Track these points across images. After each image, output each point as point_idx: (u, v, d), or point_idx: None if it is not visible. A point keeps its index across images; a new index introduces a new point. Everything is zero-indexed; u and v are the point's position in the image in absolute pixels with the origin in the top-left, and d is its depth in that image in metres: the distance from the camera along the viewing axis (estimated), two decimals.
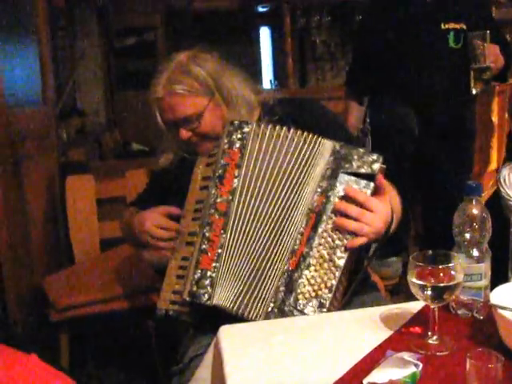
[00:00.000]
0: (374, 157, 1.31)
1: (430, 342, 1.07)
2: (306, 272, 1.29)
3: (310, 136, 1.37)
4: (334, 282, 1.28)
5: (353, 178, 1.30)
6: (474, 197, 1.16)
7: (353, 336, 1.15)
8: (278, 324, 1.23)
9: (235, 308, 1.34)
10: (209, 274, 1.35)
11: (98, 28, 5.65)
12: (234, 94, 1.59)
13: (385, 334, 1.13)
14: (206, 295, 1.34)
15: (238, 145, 1.40)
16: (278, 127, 1.40)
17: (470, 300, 1.16)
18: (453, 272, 1.04)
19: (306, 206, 1.32)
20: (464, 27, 2.49)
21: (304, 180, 1.35)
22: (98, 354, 2.57)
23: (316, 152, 1.35)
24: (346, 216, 1.29)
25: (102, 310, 2.27)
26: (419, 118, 2.53)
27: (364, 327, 1.18)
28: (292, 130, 1.39)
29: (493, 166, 5.35)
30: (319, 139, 1.36)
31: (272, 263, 1.33)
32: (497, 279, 1.18)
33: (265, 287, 1.33)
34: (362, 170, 1.30)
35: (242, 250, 1.36)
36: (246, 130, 1.41)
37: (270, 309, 1.29)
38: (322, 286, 1.28)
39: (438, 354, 1.04)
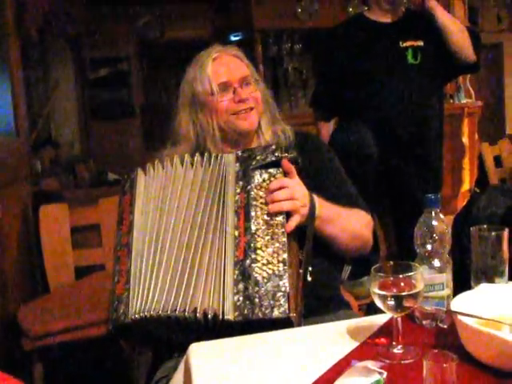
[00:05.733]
0: (274, 147, 1.44)
1: (395, 351, 1.10)
2: (254, 256, 1.33)
3: (208, 155, 1.47)
4: (285, 255, 1.32)
5: (262, 169, 1.42)
6: (434, 209, 1.20)
7: (321, 349, 1.16)
8: (247, 340, 1.24)
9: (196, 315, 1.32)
10: (122, 297, 1.39)
11: (71, 59, 5.68)
12: (268, 97, 1.67)
13: (351, 345, 1.16)
14: (123, 315, 1.37)
15: (128, 192, 1.52)
16: (169, 161, 1.50)
17: (434, 310, 1.19)
18: (413, 281, 1.07)
19: (230, 207, 1.39)
20: (421, 44, 2.60)
21: (220, 190, 1.42)
22: (73, 382, 2.54)
23: (221, 165, 1.44)
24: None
25: (76, 337, 2.26)
26: (383, 137, 2.59)
27: (332, 340, 1.20)
28: (187, 159, 1.48)
29: (465, 186, 5.45)
30: (219, 155, 1.46)
31: (211, 261, 1.35)
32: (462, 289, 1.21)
33: (215, 284, 1.33)
34: (268, 160, 1.42)
35: (156, 265, 1.38)
36: (132, 176, 1.53)
37: (238, 302, 1.29)
38: (275, 261, 1.32)
39: (402, 362, 1.07)
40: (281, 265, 1.32)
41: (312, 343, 1.20)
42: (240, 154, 1.45)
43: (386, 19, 2.68)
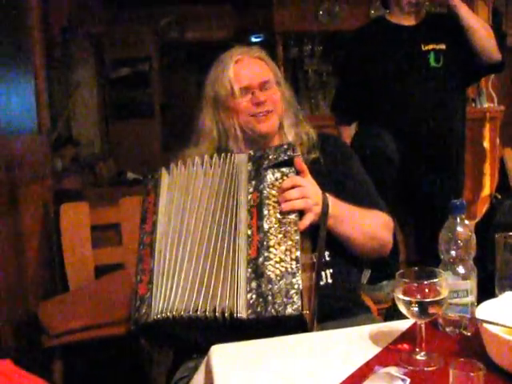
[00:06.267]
0: (286, 146, 1.44)
1: (418, 357, 1.09)
2: (267, 254, 1.33)
3: (223, 156, 1.48)
4: (298, 253, 1.33)
5: (275, 168, 1.42)
6: (459, 215, 1.19)
7: (342, 354, 1.16)
8: (268, 343, 1.24)
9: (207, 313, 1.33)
10: (145, 297, 1.40)
11: (92, 59, 5.71)
12: (291, 99, 1.69)
13: (374, 351, 1.15)
14: (145, 315, 1.38)
15: (152, 191, 1.53)
16: (190, 161, 1.51)
17: (457, 317, 1.18)
18: (438, 287, 1.06)
19: (243, 206, 1.40)
20: (443, 47, 2.57)
21: (233, 189, 1.43)
22: (92, 381, 2.56)
23: (233, 164, 1.46)
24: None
25: (96, 335, 2.27)
26: (404, 141, 2.57)
27: (354, 345, 1.19)
28: (206, 159, 1.50)
29: (486, 191, 5.39)
30: (232, 155, 1.48)
31: (228, 259, 1.36)
32: (486, 296, 1.20)
33: (229, 282, 1.34)
34: (280, 159, 1.42)
35: (177, 265, 1.40)
36: (156, 177, 1.55)
37: (251, 300, 1.30)
38: (288, 259, 1.32)
39: (425, 369, 1.06)
40: (294, 262, 1.32)
41: (333, 348, 1.19)
42: (252, 153, 1.47)
43: (408, 22, 2.67)
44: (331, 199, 1.48)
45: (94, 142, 5.63)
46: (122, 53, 6.11)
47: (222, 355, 1.19)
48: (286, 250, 1.33)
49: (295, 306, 1.27)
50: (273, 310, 1.28)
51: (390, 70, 2.61)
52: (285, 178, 1.41)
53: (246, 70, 1.61)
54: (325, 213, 1.45)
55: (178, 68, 6.54)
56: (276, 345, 1.23)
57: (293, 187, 1.39)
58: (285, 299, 1.28)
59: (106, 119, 6.09)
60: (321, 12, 5.65)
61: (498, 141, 5.48)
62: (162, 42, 6.29)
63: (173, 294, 1.37)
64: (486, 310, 1.09)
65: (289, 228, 1.36)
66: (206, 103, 1.66)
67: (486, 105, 5.37)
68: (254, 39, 5.93)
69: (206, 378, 1.20)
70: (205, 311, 1.32)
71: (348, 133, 2.87)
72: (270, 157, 1.43)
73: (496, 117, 5.44)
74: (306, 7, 5.62)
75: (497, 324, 1.03)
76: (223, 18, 6.35)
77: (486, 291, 1.24)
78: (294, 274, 1.31)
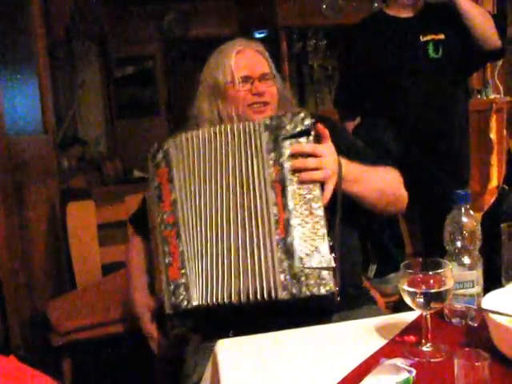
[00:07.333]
0: (302, 114, 1.40)
1: (424, 349, 1.08)
2: (295, 233, 1.33)
3: (242, 124, 1.45)
4: (324, 230, 1.33)
5: (293, 139, 1.39)
6: (463, 205, 1.19)
7: (348, 346, 1.16)
8: (274, 336, 1.24)
9: (242, 298, 1.35)
10: (180, 282, 1.40)
11: (97, 58, 5.72)
12: (286, 92, 1.68)
13: (380, 343, 1.15)
14: (185, 301, 1.39)
15: (163, 163, 1.48)
16: (203, 130, 1.48)
17: (463, 307, 1.18)
18: (443, 278, 1.05)
19: (267, 181, 1.37)
20: (442, 37, 2.56)
21: (253, 161, 1.40)
22: (101, 379, 2.56)
23: (253, 134, 1.42)
24: (306, 170, 1.37)
25: (105, 333, 2.27)
26: (407, 133, 2.57)
27: (359, 337, 1.19)
28: (222, 126, 1.46)
29: (493, 183, 5.37)
30: (252, 123, 1.44)
31: (258, 240, 1.36)
32: (492, 287, 1.20)
33: (263, 264, 1.34)
34: (298, 129, 1.39)
35: (205, 247, 1.40)
36: (165, 147, 1.48)
37: (285, 282, 1.31)
38: (315, 237, 1.32)
39: (431, 360, 1.05)
40: (321, 240, 1.32)
41: (339, 340, 1.19)
42: (268, 122, 1.42)
43: (406, 14, 2.66)
44: (344, 161, 1.46)
45: (99, 140, 5.65)
46: (126, 51, 6.12)
47: (228, 349, 1.19)
48: (313, 227, 1.33)
49: (328, 287, 1.29)
50: (307, 291, 1.29)
51: (389, 62, 2.60)
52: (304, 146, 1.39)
53: (247, 61, 1.61)
54: (340, 177, 1.43)
55: (182, 65, 6.54)
56: (282, 338, 1.23)
57: (311, 155, 1.37)
58: (318, 280, 1.30)
59: (111, 118, 6.10)
60: (324, 6, 5.64)
61: (504, 132, 5.45)
62: (166, 39, 6.30)
63: (209, 278, 1.38)
64: (492, 301, 1.08)
65: (313, 204, 1.35)
66: (205, 90, 1.66)
67: (492, 96, 5.34)
68: (257, 35, 5.92)
69: (212, 371, 1.21)
70: (246, 295, 1.34)
71: (352, 128, 2.86)
72: (288, 127, 1.39)
73: (502, 108, 5.41)
74: (310, 2, 5.61)
75: (503, 314, 1.02)
76: (227, 14, 6.35)
77: (492, 281, 1.23)
78: (323, 253, 1.31)
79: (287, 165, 1.37)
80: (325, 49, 6.02)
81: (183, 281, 1.39)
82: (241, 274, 1.36)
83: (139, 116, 6.21)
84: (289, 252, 1.32)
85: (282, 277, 1.31)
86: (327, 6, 5.66)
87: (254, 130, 1.42)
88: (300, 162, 1.36)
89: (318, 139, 1.41)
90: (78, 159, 4.53)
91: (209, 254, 1.40)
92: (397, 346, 1.12)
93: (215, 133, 1.46)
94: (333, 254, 1.32)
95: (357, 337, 1.19)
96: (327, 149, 1.41)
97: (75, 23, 4.39)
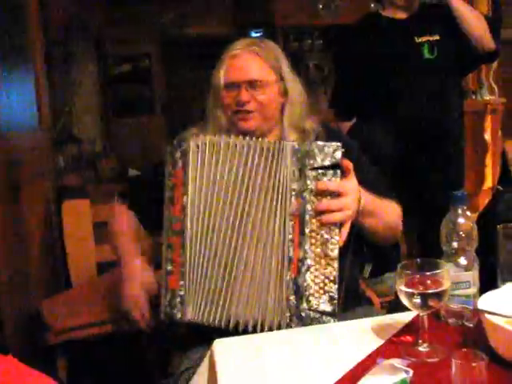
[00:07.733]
0: (334, 146, 1.36)
1: (421, 349, 1.09)
2: (308, 274, 1.33)
3: (267, 141, 1.42)
4: (336, 273, 1.33)
5: (320, 171, 1.36)
6: (460, 206, 1.19)
7: (345, 347, 1.16)
8: (270, 337, 1.24)
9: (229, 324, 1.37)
10: (178, 293, 1.40)
11: (93, 56, 5.71)
12: (295, 94, 1.64)
13: (376, 343, 1.15)
14: (179, 313, 1.39)
15: (180, 163, 1.44)
16: (224, 136, 1.44)
17: (460, 308, 1.18)
18: (440, 279, 1.06)
19: (287, 213, 1.35)
20: (437, 38, 2.57)
21: (271, 184, 1.38)
22: (96, 378, 2.56)
23: (277, 156, 1.38)
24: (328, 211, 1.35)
25: (100, 332, 2.27)
26: (401, 134, 2.57)
27: (356, 338, 1.19)
28: (246, 139, 1.42)
29: (488, 183, 5.38)
30: (278, 143, 1.40)
31: (270, 276, 1.36)
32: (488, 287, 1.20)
33: (269, 300, 1.35)
34: (327, 162, 1.35)
35: (210, 270, 1.39)
36: (184, 147, 1.44)
37: (288, 319, 1.33)
38: (326, 281, 1.33)
39: (428, 360, 1.06)
40: (332, 284, 1.33)
41: (336, 341, 1.19)
42: (296, 147, 1.37)
43: (400, 16, 2.66)
44: (362, 193, 1.44)
45: (95, 139, 5.63)
46: (123, 49, 6.11)
47: (224, 349, 1.19)
48: (325, 269, 1.33)
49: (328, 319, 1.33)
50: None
51: (384, 64, 2.61)
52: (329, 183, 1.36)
53: (238, 66, 1.58)
54: (358, 211, 1.42)
55: (178, 64, 6.53)
56: (278, 338, 1.24)
57: (338, 194, 1.35)
58: (321, 320, 1.33)
59: (107, 116, 6.09)
60: (320, 6, 5.64)
61: (499, 133, 5.46)
62: (163, 38, 6.29)
63: (209, 300, 1.38)
64: (489, 301, 1.09)
65: (329, 245, 1.33)
66: (209, 92, 1.65)
67: (487, 97, 5.35)
68: (254, 34, 5.93)
69: (209, 371, 1.21)
70: (245, 325, 1.35)
71: (347, 129, 2.86)
72: (317, 158, 1.35)
73: (497, 109, 5.42)
74: (306, 1, 5.61)
75: (499, 315, 1.03)
76: (223, 13, 6.34)
77: (488, 282, 1.24)
78: (332, 298, 1.33)
79: (310, 203, 1.34)
80: (321, 48, 6.03)
81: (181, 293, 1.39)
82: (245, 304, 1.36)
83: (135, 114, 6.20)
84: (298, 292, 1.33)
85: (287, 315, 1.33)
86: (323, 6, 5.66)
87: (279, 151, 1.38)
88: (324, 205, 1.34)
89: (343, 172, 1.38)
90: (73, 157, 4.52)
91: (214, 278, 1.39)
92: (393, 346, 1.13)
93: (237, 145, 1.42)
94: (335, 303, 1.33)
95: (354, 337, 1.20)
96: (351, 186, 1.39)
97: (72, 21, 4.38)
